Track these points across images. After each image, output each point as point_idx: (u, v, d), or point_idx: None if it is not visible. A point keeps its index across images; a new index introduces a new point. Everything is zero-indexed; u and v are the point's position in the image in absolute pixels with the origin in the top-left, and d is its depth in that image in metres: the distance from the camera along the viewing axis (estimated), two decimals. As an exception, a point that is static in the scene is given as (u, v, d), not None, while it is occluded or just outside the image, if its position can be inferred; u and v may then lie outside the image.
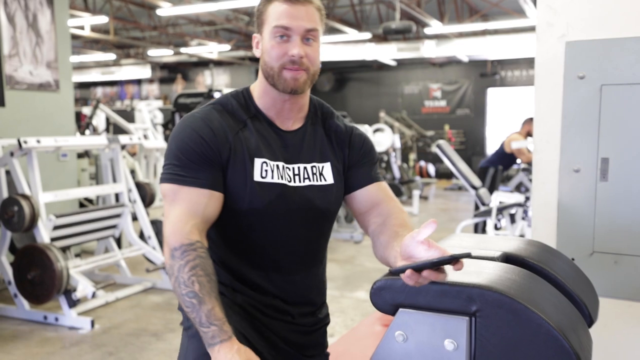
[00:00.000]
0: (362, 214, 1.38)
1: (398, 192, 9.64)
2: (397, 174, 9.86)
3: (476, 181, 4.88)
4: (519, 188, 7.09)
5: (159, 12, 9.22)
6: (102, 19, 9.64)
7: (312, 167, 1.32)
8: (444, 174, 13.57)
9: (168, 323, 3.85)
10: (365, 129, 8.77)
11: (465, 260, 1.19)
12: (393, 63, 14.77)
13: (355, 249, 6.28)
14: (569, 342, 1.00)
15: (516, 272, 1.16)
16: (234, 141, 1.25)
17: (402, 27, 8.10)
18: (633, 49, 1.70)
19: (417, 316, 1.12)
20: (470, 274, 1.12)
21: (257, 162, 1.25)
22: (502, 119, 14.90)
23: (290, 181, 1.28)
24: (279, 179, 1.26)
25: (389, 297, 1.16)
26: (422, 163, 12.13)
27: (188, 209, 1.19)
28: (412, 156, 11.92)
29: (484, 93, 15.32)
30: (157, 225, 4.94)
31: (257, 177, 1.24)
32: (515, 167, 7.02)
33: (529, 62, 14.24)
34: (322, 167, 1.34)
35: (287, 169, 1.29)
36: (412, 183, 10.25)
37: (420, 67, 15.75)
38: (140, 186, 4.90)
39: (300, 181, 1.30)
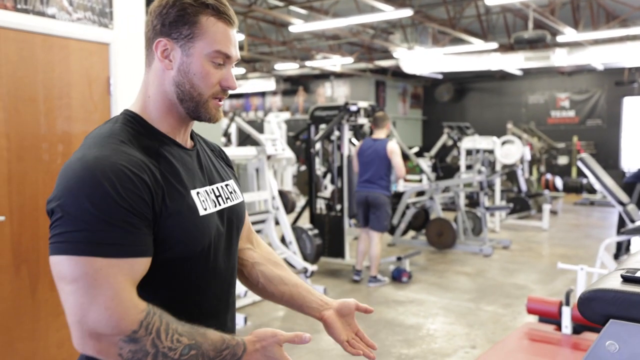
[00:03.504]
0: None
1: (525, 206, 9.31)
2: (523, 187, 9.52)
3: (624, 197, 4.65)
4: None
5: (291, 28, 9.72)
6: (239, 37, 10.34)
7: (226, 186, 1.18)
8: (573, 188, 12.87)
9: (313, 324, 4.08)
10: (494, 140, 8.60)
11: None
12: (518, 72, 14.29)
13: (484, 262, 6.19)
14: None
15: None
16: (161, 179, 0.99)
17: (536, 37, 7.82)
18: None
19: (631, 328, 1.17)
20: (687, 290, 1.15)
21: (193, 194, 1.05)
22: (641, 130, 13.87)
23: (219, 205, 1.12)
24: (214, 205, 1.10)
25: (598, 308, 1.22)
26: (549, 176, 11.58)
27: (127, 282, 0.92)
28: (540, 168, 11.46)
29: (619, 102, 14.34)
30: (297, 231, 5.24)
31: (201, 212, 1.05)
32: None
33: (674, 69, 13.15)
34: (232, 183, 1.21)
35: (214, 191, 1.12)
36: (539, 197, 9.85)
37: (546, 76, 15.10)
38: (282, 194, 5.23)
39: (224, 202, 1.14)
